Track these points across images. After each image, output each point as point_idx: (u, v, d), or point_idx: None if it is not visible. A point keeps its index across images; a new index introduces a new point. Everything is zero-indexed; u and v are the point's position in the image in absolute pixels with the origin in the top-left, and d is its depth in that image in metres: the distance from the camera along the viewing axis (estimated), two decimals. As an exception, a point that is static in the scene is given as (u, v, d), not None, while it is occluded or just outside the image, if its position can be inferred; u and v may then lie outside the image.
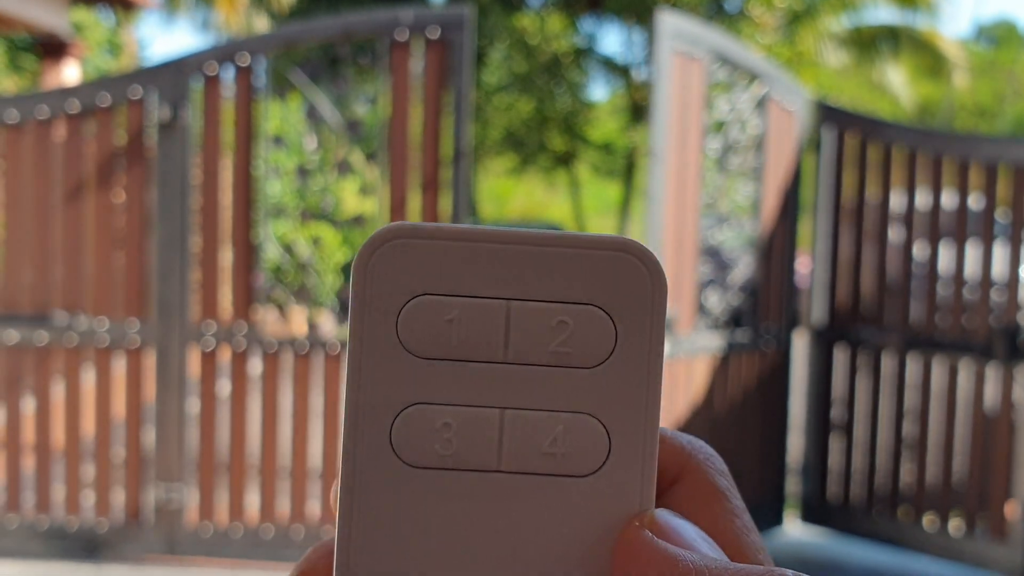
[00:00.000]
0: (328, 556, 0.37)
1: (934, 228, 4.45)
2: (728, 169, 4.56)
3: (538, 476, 0.35)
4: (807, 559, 4.54)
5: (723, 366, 4.50)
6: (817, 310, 4.80)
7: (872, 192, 4.64)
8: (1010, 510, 4.25)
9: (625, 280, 0.35)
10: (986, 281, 4.30)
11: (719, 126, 4.45)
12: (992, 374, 4.27)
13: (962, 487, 4.39)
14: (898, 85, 18.05)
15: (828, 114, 4.76)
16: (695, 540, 0.34)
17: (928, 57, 17.84)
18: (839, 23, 17.69)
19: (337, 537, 0.35)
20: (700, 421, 4.40)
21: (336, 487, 0.36)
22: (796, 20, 16.53)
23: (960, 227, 4.36)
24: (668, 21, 4.09)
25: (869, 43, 17.79)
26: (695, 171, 4.29)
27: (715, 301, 4.61)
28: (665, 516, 0.35)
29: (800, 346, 5.06)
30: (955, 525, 4.40)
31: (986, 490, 4.32)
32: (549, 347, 0.35)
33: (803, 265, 7.36)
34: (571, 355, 0.35)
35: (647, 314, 0.35)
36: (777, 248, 4.74)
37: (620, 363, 0.35)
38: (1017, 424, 4.21)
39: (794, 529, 4.87)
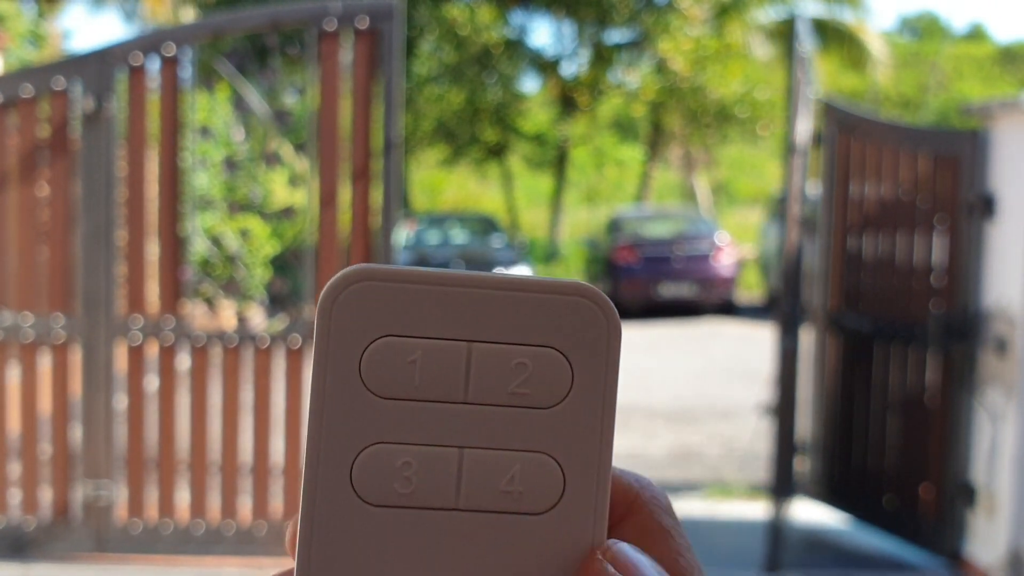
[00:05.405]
0: None
1: (891, 219, 4.57)
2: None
3: (496, 514, 0.35)
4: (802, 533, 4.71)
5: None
6: (818, 297, 4.92)
7: (856, 186, 4.76)
8: (934, 492, 4.34)
9: (581, 323, 0.36)
10: (927, 269, 4.41)
11: None
12: (931, 361, 4.38)
13: (912, 469, 4.50)
14: (819, 77, 18.30)
15: (828, 112, 4.85)
16: (652, 573, 0.36)
17: (854, 49, 18.12)
18: (767, 16, 17.89)
19: (296, 573, 0.35)
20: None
21: (294, 524, 0.36)
22: (724, 13, 16.68)
23: (909, 217, 4.48)
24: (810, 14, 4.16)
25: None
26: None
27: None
28: (625, 550, 0.36)
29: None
30: (903, 505, 4.51)
31: (924, 473, 4.42)
32: (508, 388, 0.35)
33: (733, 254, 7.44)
34: (529, 396, 0.36)
35: (602, 356, 0.36)
36: (791, 240, 4.85)
37: (576, 404, 0.36)
38: (951, 409, 4.30)
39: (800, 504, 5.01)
